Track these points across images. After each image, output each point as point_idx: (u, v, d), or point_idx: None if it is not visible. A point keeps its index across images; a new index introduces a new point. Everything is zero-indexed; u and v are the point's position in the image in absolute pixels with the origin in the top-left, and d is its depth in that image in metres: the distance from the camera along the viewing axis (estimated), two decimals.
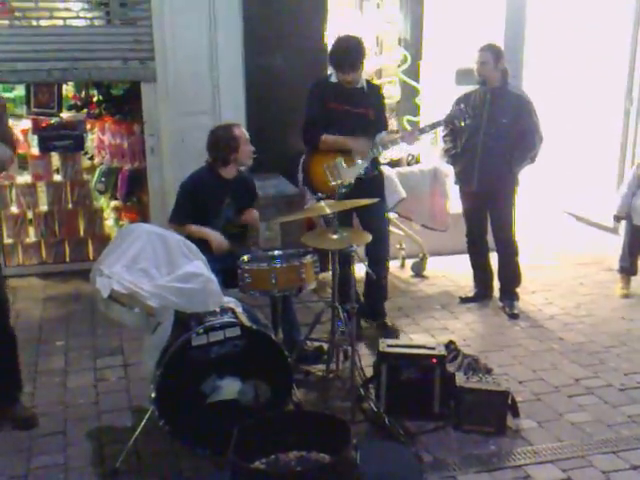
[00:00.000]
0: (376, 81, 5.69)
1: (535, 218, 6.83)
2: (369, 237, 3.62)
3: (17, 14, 5.17)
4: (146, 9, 5.18)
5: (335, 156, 4.16)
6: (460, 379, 3.51)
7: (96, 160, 6.15)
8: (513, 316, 4.90)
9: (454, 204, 5.55)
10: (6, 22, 5.14)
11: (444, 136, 4.95)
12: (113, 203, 6.22)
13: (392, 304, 5.01)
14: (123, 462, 3.11)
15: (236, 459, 2.60)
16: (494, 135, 4.69)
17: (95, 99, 6.06)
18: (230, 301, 3.40)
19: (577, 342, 4.51)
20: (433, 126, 4.55)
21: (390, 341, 3.73)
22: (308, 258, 3.55)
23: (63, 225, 5.97)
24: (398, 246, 5.91)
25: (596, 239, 6.69)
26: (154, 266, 3.23)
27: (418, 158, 5.96)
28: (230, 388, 3.11)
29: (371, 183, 4.30)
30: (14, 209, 5.88)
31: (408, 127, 5.87)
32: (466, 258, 5.23)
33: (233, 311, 3.32)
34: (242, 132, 4.05)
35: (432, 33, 5.98)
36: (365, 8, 5.98)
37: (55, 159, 5.96)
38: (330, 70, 4.42)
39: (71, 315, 5.01)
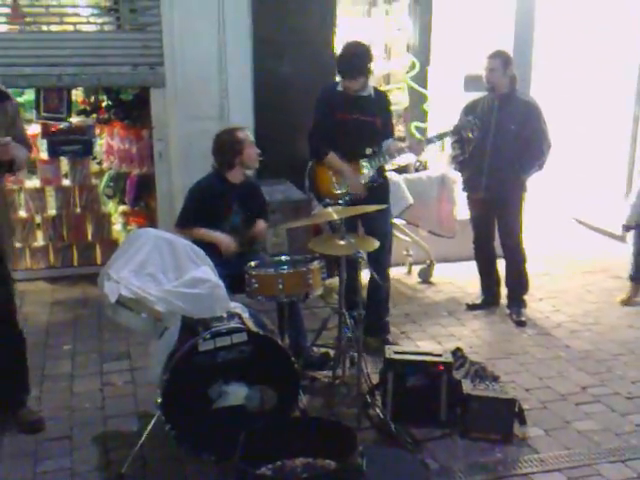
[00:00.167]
0: (384, 87, 5.69)
1: (543, 225, 6.81)
2: (377, 243, 3.61)
3: (28, 19, 5.21)
4: (156, 14, 5.21)
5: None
6: (467, 386, 3.50)
7: (105, 165, 6.17)
8: (520, 323, 4.89)
9: (461, 210, 5.55)
10: (17, 27, 5.18)
11: (452, 143, 4.95)
12: (121, 208, 6.23)
13: (399, 310, 5.01)
14: (129, 467, 3.11)
15: (242, 465, 2.60)
16: (502, 142, 4.68)
17: (104, 104, 6.07)
18: (237, 306, 3.41)
19: (584, 350, 4.49)
20: (440, 137, 4.55)
21: (396, 348, 3.73)
22: (315, 264, 3.55)
23: (71, 229, 5.98)
24: (405, 252, 5.90)
25: (604, 246, 6.67)
26: (161, 271, 3.24)
27: (426, 164, 5.96)
28: (236, 394, 3.11)
29: (377, 190, 4.28)
30: (23, 213, 5.90)
31: (416, 133, 5.88)
32: (473, 265, 5.23)
33: (240, 317, 3.32)
34: (246, 135, 4.05)
35: (440, 39, 5.98)
36: (374, 14, 5.99)
37: (64, 164, 5.98)
38: (338, 77, 4.42)
39: (78, 319, 5.02)
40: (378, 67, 5.71)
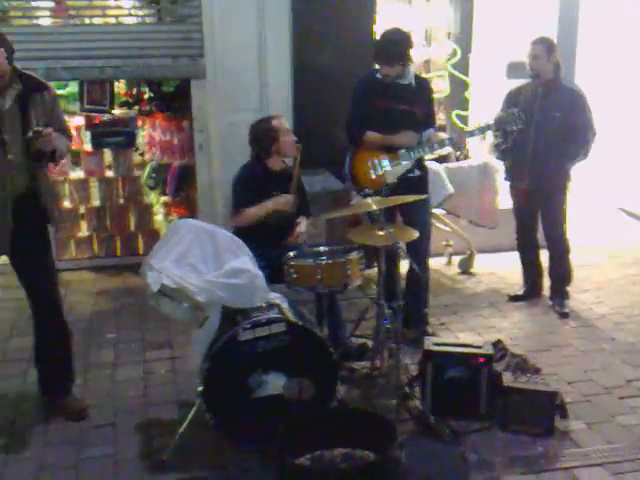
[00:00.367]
0: (424, 75, 5.63)
1: (587, 215, 6.68)
2: (416, 234, 3.59)
3: (71, 13, 5.29)
4: (196, 6, 5.24)
5: (379, 154, 4.15)
6: (507, 379, 3.46)
7: (147, 156, 6.24)
8: (563, 315, 4.81)
9: (503, 200, 5.47)
10: (61, 21, 5.27)
11: (494, 130, 4.87)
12: (162, 199, 6.30)
13: (438, 301, 4.97)
14: (170, 454, 3.16)
15: (281, 455, 2.62)
16: (546, 130, 4.58)
17: (146, 96, 6.15)
18: (276, 297, 3.42)
19: (629, 342, 4.40)
20: (482, 130, 4.45)
21: (435, 339, 3.70)
22: (354, 254, 3.53)
23: (114, 220, 6.07)
24: (445, 243, 5.85)
25: None
26: (202, 261, 3.27)
27: (467, 153, 5.88)
28: (275, 383, 3.13)
29: (416, 181, 4.24)
30: (67, 204, 6.02)
31: (457, 121, 5.81)
32: (514, 255, 5.15)
33: (279, 307, 3.34)
34: (281, 122, 4.04)
35: (482, 26, 5.90)
36: (414, 2, 5.93)
37: (107, 155, 6.07)
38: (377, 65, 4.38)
39: (121, 308, 5.10)
40: (418, 54, 5.65)
